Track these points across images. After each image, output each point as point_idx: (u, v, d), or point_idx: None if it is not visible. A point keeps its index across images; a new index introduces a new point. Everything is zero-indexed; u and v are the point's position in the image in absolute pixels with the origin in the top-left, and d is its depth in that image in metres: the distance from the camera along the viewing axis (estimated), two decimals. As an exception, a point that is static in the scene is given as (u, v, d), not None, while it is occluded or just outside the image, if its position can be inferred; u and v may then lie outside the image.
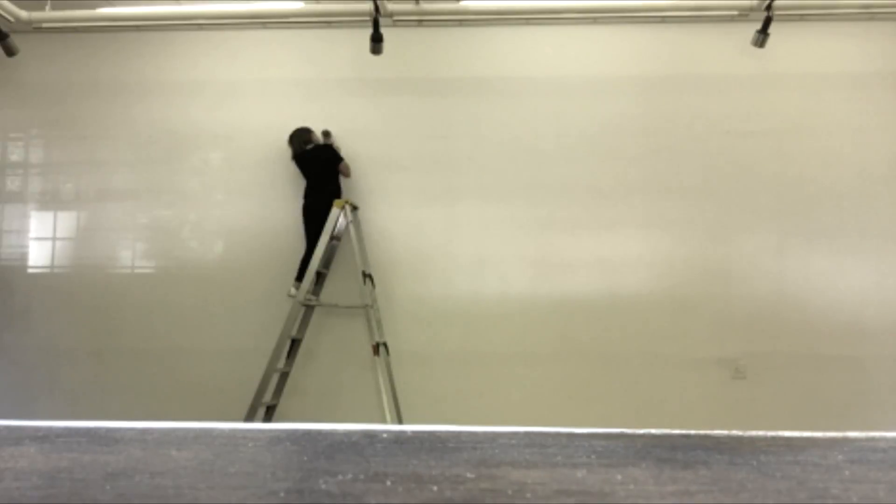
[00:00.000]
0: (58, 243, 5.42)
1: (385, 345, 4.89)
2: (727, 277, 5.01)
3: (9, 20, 4.74)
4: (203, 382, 5.09)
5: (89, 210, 5.41)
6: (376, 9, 4.45)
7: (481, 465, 1.59)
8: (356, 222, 5.07)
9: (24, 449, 1.76)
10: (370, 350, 4.86)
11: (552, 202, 5.12)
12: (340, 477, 1.48)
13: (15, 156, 5.55)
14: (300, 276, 4.96)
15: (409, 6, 4.94)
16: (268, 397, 4.92)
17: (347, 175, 5.16)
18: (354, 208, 5.10)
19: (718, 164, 5.10)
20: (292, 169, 5.25)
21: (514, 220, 5.11)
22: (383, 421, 4.65)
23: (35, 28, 4.93)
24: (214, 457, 1.67)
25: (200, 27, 5.34)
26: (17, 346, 5.31)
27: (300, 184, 5.24)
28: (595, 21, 5.17)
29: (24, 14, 4.80)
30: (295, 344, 5.06)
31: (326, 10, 4.93)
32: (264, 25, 5.35)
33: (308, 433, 1.96)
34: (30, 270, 5.42)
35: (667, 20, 5.13)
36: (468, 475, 1.50)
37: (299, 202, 5.19)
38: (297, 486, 1.43)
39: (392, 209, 5.20)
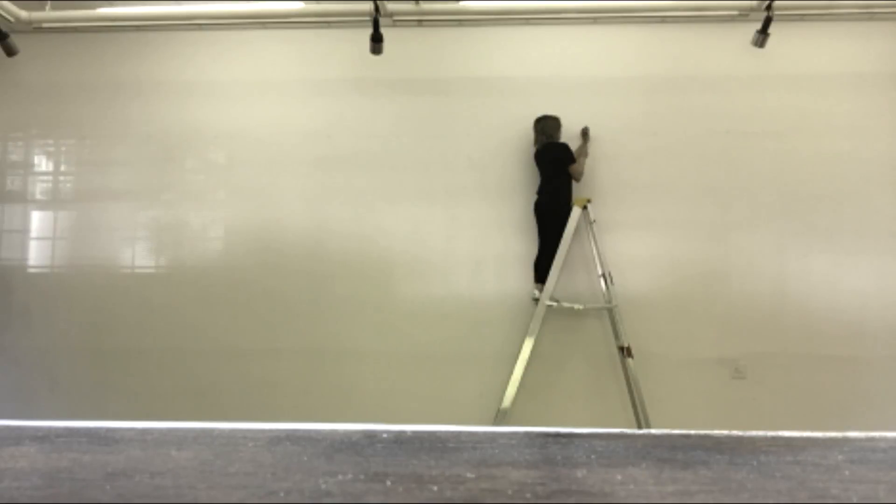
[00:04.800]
0: (58, 243, 5.42)
1: (629, 348, 4.81)
2: (727, 277, 5.01)
3: (9, 20, 4.74)
4: (198, 384, 5.10)
5: (89, 210, 5.41)
6: (376, 9, 4.45)
7: (481, 465, 1.59)
8: (594, 221, 4.95)
9: (24, 449, 1.76)
10: (605, 351, 4.91)
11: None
12: (340, 477, 1.48)
13: (15, 156, 5.55)
14: (539, 278, 4.87)
15: (409, 6, 4.94)
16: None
17: (577, 179, 4.98)
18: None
19: (718, 164, 5.10)
20: (294, 168, 5.25)
21: (513, 221, 5.11)
22: (636, 425, 4.65)
23: (35, 28, 4.93)
24: (214, 457, 1.67)
25: (200, 27, 5.34)
26: (17, 346, 5.31)
27: (303, 183, 5.24)
28: (595, 21, 5.18)
29: (24, 14, 4.80)
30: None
31: (326, 10, 4.93)
32: (264, 25, 5.35)
33: (308, 433, 1.96)
34: (30, 270, 5.42)
35: (667, 20, 5.13)
36: (468, 475, 1.50)
37: (300, 202, 5.20)
38: (297, 486, 1.43)
39: (390, 208, 5.19)
